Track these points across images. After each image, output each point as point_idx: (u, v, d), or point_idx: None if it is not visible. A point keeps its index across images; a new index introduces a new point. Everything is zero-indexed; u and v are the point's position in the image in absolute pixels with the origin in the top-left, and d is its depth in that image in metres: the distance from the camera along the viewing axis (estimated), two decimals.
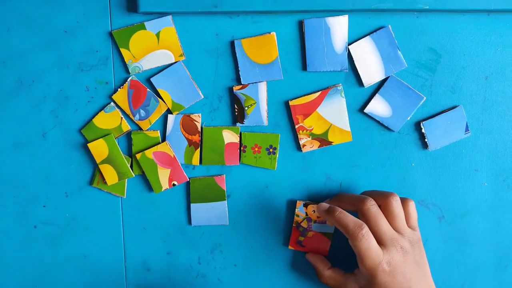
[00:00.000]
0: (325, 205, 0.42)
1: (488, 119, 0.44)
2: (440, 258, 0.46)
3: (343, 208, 0.41)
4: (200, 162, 0.46)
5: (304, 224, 0.47)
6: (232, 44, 0.44)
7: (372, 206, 0.40)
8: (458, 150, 0.45)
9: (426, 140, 0.44)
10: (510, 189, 0.45)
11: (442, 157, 0.45)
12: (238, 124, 0.45)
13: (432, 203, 0.46)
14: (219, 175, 0.47)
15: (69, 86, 0.46)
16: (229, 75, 0.45)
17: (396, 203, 0.40)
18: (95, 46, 0.45)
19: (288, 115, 0.45)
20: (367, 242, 0.38)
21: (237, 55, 0.44)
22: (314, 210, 0.46)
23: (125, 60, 0.45)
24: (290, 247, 0.47)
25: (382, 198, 0.41)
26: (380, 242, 0.39)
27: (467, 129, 0.44)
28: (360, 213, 0.40)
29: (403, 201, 0.42)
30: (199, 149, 0.46)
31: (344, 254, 0.48)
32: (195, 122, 0.45)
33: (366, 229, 0.39)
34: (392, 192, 0.41)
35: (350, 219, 0.40)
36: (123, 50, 0.44)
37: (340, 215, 0.40)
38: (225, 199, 0.47)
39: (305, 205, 0.46)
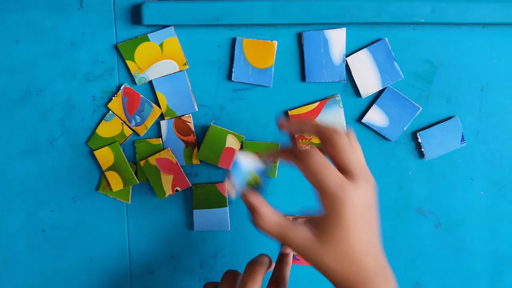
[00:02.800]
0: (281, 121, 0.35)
1: (484, 129, 0.43)
2: (436, 265, 0.45)
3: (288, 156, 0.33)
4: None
5: None
6: (233, 42, 0.43)
7: (345, 137, 0.31)
8: (454, 160, 0.44)
9: (422, 149, 0.43)
10: (506, 198, 0.44)
11: (438, 166, 0.44)
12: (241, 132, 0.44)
13: (428, 210, 0.45)
14: (221, 182, 0.46)
15: (76, 96, 0.45)
16: (230, 86, 0.44)
17: (354, 139, 0.32)
18: (101, 57, 0.44)
19: None
20: (325, 165, 0.29)
21: (235, 51, 0.43)
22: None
23: (131, 72, 0.44)
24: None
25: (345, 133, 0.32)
26: (349, 173, 0.30)
27: (463, 139, 0.43)
28: (329, 143, 0.31)
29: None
30: (196, 148, 0.45)
31: None
32: (188, 123, 0.44)
33: (318, 152, 0.30)
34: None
35: (297, 144, 0.32)
36: (128, 62, 0.44)
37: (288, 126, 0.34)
38: (226, 206, 0.46)
39: (295, 219, 0.45)
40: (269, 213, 0.32)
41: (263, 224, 0.32)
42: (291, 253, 0.38)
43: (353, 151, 0.30)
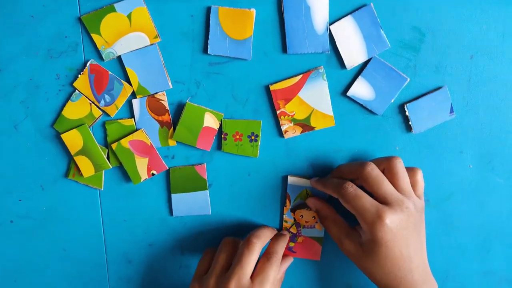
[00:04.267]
0: (313, 180, 0.40)
1: (474, 99, 0.40)
2: (428, 240, 0.42)
3: (329, 191, 0.38)
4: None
5: (293, 230, 0.42)
6: (208, 12, 0.39)
7: (372, 170, 0.35)
8: (443, 132, 0.41)
9: (410, 123, 0.40)
10: (495, 171, 0.42)
11: (426, 139, 0.41)
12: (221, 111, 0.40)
13: None
14: (200, 164, 0.42)
15: (39, 75, 0.40)
16: (206, 60, 0.40)
17: (399, 164, 0.36)
18: (64, 32, 0.40)
19: (269, 100, 0.40)
20: (358, 196, 0.34)
21: (210, 21, 0.38)
22: (302, 215, 0.42)
23: (98, 46, 0.39)
24: None
25: (385, 162, 0.36)
26: (385, 202, 0.34)
27: (451, 111, 0.40)
28: (361, 179, 0.36)
29: (411, 169, 0.38)
30: (172, 128, 0.41)
31: (336, 259, 0.43)
32: (161, 102, 0.40)
33: (350, 184, 0.35)
34: (396, 156, 0.36)
35: (333, 181, 0.37)
36: (94, 36, 0.39)
37: (321, 181, 0.39)
38: (206, 189, 0.42)
39: (292, 210, 0.42)
40: (334, 218, 0.39)
41: (328, 225, 0.39)
42: (287, 234, 0.42)
43: (383, 181, 0.35)
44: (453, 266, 0.43)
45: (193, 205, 0.43)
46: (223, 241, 0.40)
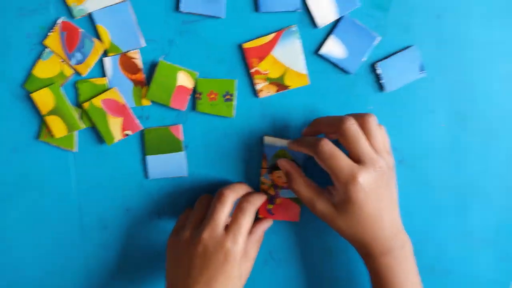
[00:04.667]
0: (288, 141, 0.39)
1: (443, 58, 0.41)
2: (401, 202, 0.42)
3: (324, 134, 0.38)
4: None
5: (271, 192, 0.42)
6: None
7: (351, 125, 0.34)
8: (415, 91, 0.41)
9: (381, 81, 0.40)
10: (467, 130, 0.42)
11: (399, 99, 0.41)
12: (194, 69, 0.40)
13: (391, 146, 0.42)
14: (175, 124, 0.42)
15: (9, 33, 0.40)
16: (180, 18, 0.40)
17: (373, 122, 0.35)
18: None
19: (244, 60, 0.40)
20: (334, 155, 0.34)
21: None
22: (279, 176, 0.42)
23: (68, 3, 0.39)
24: (260, 216, 0.43)
25: (359, 118, 0.36)
26: (359, 161, 0.34)
27: (422, 69, 0.40)
28: (339, 134, 0.35)
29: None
30: (146, 87, 0.41)
31: (315, 220, 0.43)
32: (134, 60, 0.40)
33: (326, 141, 0.34)
34: (368, 112, 0.36)
35: (308, 139, 0.37)
36: None
37: (296, 141, 0.38)
38: (182, 150, 0.42)
39: (270, 172, 0.42)
40: (304, 180, 0.38)
41: (298, 187, 0.38)
42: (264, 194, 0.41)
43: (360, 138, 0.34)
44: (431, 228, 0.44)
45: (169, 167, 0.42)
46: (199, 198, 0.40)
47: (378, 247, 0.35)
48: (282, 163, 0.39)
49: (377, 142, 0.36)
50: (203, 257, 0.35)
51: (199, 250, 0.35)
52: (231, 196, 0.37)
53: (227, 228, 0.36)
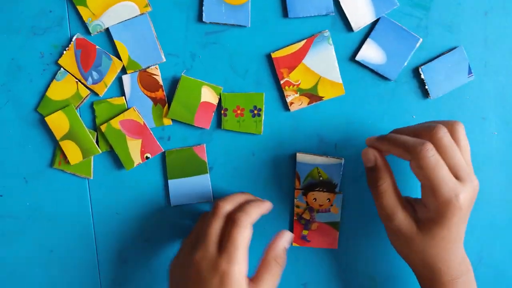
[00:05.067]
0: (372, 137, 0.33)
1: (492, 59, 0.37)
2: None
3: (399, 150, 0.30)
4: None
5: (306, 216, 0.38)
6: None
7: (445, 135, 0.29)
8: (463, 97, 0.37)
9: (426, 87, 0.36)
10: None
11: (445, 105, 0.37)
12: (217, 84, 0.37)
13: None
14: (199, 144, 0.38)
15: (22, 54, 0.37)
16: (202, 29, 0.37)
17: (464, 132, 0.30)
18: (48, 6, 0.36)
19: (272, 70, 0.37)
20: (440, 165, 0.28)
21: None
22: (315, 198, 0.37)
23: (84, 19, 0.36)
24: (294, 244, 0.38)
25: (447, 127, 0.30)
26: (456, 176, 0.29)
27: (470, 72, 0.36)
28: (433, 143, 0.29)
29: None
30: (167, 105, 0.37)
31: (356, 247, 0.38)
32: (155, 76, 0.36)
33: (431, 146, 0.28)
34: (455, 120, 0.31)
35: (407, 138, 0.30)
36: (80, 8, 0.36)
37: (388, 136, 0.31)
38: (207, 172, 0.38)
39: (304, 194, 0.37)
40: (393, 183, 0.32)
41: (384, 189, 0.31)
42: (268, 202, 0.35)
43: (456, 150, 0.29)
44: (487, 247, 0.38)
45: (193, 191, 0.38)
46: (202, 214, 0.36)
47: (448, 273, 0.30)
48: (372, 153, 0.32)
49: (468, 155, 0.31)
50: (197, 281, 0.30)
51: (192, 274, 0.30)
52: (225, 208, 0.32)
53: (221, 244, 0.31)
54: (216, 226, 0.31)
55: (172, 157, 0.37)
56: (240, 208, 0.32)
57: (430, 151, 0.28)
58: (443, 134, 0.29)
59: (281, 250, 0.32)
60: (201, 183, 0.38)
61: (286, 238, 0.33)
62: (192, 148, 0.37)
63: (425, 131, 0.30)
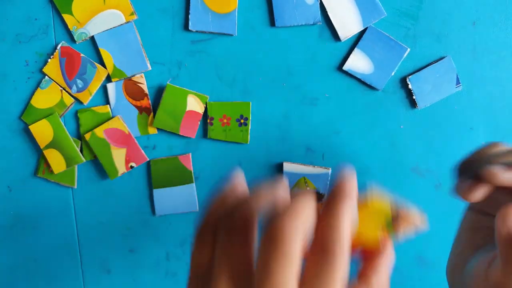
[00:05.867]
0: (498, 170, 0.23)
1: (480, 69, 0.36)
2: (440, 234, 0.37)
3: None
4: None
5: None
6: None
7: None
8: (450, 107, 0.36)
9: (414, 97, 0.36)
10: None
11: (433, 116, 0.36)
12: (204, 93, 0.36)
13: (426, 169, 0.37)
14: (184, 154, 0.37)
15: (6, 62, 0.36)
16: (188, 37, 0.36)
17: None
18: (33, 14, 0.36)
19: (258, 80, 0.36)
20: None
21: None
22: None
23: (69, 27, 0.35)
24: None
25: None
26: None
27: (458, 82, 0.36)
28: None
29: None
30: (152, 114, 0.36)
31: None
32: (140, 85, 0.36)
33: None
34: None
35: None
36: (65, 16, 0.35)
37: None
38: (193, 182, 0.37)
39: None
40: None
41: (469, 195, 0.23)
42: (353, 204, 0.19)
43: None
44: None
45: (178, 201, 0.37)
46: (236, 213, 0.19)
47: None
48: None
49: None
50: None
51: None
52: (298, 238, 0.16)
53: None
54: (293, 269, 0.16)
55: (157, 166, 0.37)
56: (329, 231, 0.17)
57: None
58: None
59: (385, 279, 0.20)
60: (187, 192, 0.37)
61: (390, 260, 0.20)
62: (178, 158, 0.37)
63: None
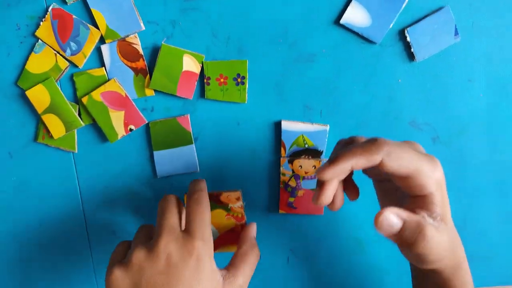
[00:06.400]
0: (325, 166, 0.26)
1: (479, 19, 0.35)
2: None
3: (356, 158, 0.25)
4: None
5: (292, 183, 0.37)
6: None
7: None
8: (449, 59, 0.36)
9: (412, 50, 0.35)
10: (509, 98, 0.37)
11: (431, 68, 0.36)
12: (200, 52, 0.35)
13: (424, 122, 0.37)
14: (182, 115, 0.37)
15: None
16: None
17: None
18: None
19: (254, 36, 0.36)
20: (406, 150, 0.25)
21: None
22: (300, 165, 0.37)
23: None
24: (280, 211, 0.38)
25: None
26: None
27: (456, 33, 0.35)
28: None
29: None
30: (148, 75, 0.36)
31: (341, 212, 0.38)
32: (134, 45, 0.35)
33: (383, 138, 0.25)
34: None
35: (356, 145, 0.26)
36: None
37: (344, 151, 0.26)
38: (192, 143, 0.37)
39: (290, 161, 0.37)
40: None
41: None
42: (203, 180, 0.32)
43: (401, 152, 0.24)
44: (470, 211, 0.38)
45: (178, 162, 0.37)
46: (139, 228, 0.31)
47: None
48: (393, 219, 0.25)
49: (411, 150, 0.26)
50: (167, 270, 0.26)
51: (159, 264, 0.26)
52: (174, 195, 0.30)
53: (186, 225, 0.28)
54: (174, 210, 0.29)
55: (156, 128, 0.37)
56: (194, 187, 0.30)
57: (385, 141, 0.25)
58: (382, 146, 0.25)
59: (254, 239, 0.31)
60: (187, 154, 0.37)
61: (254, 229, 0.33)
62: (176, 119, 0.36)
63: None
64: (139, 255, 0.27)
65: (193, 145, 0.37)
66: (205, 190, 0.30)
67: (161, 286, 0.26)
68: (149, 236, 0.29)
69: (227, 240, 0.34)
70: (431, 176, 0.25)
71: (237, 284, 0.28)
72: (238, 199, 0.33)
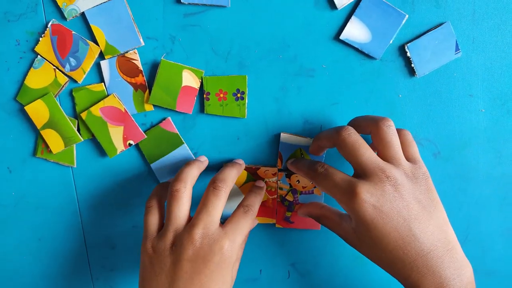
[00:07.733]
0: (288, 161, 0.35)
1: (480, 35, 0.35)
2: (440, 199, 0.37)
3: (324, 147, 0.33)
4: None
5: (289, 198, 0.37)
6: None
7: (349, 136, 0.29)
8: (450, 74, 0.35)
9: (412, 65, 0.35)
10: (511, 113, 0.36)
11: (432, 84, 0.35)
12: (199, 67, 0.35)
13: (425, 138, 0.36)
14: (163, 119, 0.36)
15: None
16: (181, 11, 0.34)
17: (387, 129, 0.29)
18: None
19: (254, 52, 0.35)
20: (329, 174, 0.29)
21: None
22: (298, 180, 0.36)
23: (59, 4, 0.34)
24: (277, 226, 0.37)
25: (371, 124, 0.30)
26: (363, 173, 0.28)
27: (457, 48, 0.35)
28: (337, 147, 0.30)
29: (398, 131, 0.31)
30: (148, 90, 0.35)
31: None
32: (134, 61, 0.35)
33: (320, 164, 0.31)
34: (384, 117, 0.30)
35: (304, 162, 0.32)
36: None
37: (294, 162, 0.34)
38: (183, 142, 0.36)
39: (288, 176, 0.36)
40: (326, 212, 0.33)
41: (324, 222, 0.33)
42: (264, 187, 0.36)
43: (359, 148, 0.29)
44: (473, 225, 0.38)
45: (177, 165, 0.37)
46: (162, 187, 0.35)
47: (425, 279, 0.27)
48: (302, 211, 0.35)
49: (391, 150, 0.29)
50: (194, 260, 0.29)
51: (189, 252, 0.29)
52: (225, 189, 0.31)
53: (226, 224, 0.31)
54: (219, 205, 0.31)
55: (144, 142, 0.36)
56: (249, 199, 0.33)
57: (318, 169, 0.30)
58: (346, 135, 0.29)
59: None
60: (182, 154, 0.36)
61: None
62: (159, 126, 0.36)
63: (333, 134, 0.30)
64: (170, 239, 0.31)
65: (185, 145, 0.36)
66: (257, 207, 0.34)
67: (186, 271, 0.29)
68: (184, 214, 0.32)
69: (259, 213, 0.37)
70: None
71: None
72: (274, 174, 0.36)
